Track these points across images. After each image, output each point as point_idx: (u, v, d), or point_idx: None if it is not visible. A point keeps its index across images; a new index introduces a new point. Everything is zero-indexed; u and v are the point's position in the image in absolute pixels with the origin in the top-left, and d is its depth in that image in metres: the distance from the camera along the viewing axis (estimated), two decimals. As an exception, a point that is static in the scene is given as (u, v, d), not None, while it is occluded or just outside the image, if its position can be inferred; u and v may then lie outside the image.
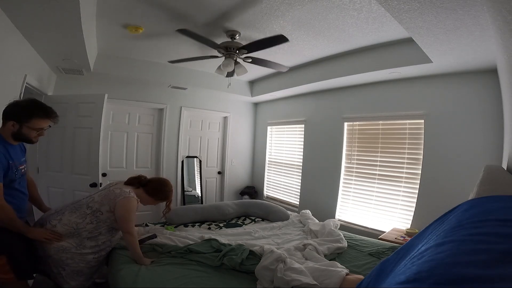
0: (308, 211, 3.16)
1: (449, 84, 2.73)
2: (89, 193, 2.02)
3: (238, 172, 5.32)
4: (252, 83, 4.83)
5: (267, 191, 5.16)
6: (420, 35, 1.90)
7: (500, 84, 2.20)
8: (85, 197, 1.90)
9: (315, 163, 4.10)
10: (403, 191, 3.04)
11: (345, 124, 3.71)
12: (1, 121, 1.59)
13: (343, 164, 3.70)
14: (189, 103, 4.66)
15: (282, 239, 2.50)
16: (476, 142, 2.51)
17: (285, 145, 4.85)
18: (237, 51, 2.64)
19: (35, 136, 1.62)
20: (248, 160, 5.50)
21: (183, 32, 2.21)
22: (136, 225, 1.99)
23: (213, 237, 2.24)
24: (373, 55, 2.87)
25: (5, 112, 1.55)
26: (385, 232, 2.88)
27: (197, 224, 2.83)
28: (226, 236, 2.43)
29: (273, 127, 5.13)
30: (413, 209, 2.88)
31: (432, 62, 2.38)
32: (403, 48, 2.62)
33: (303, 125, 4.38)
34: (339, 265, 1.75)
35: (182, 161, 4.65)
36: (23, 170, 1.67)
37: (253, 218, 3.17)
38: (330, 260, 1.96)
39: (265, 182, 5.18)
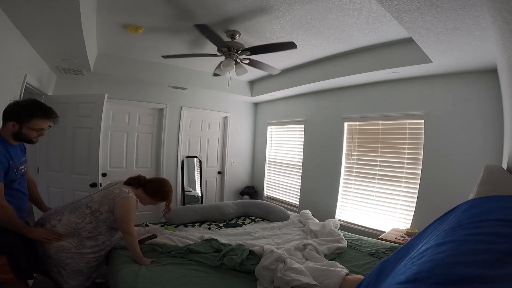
0: (308, 211, 3.16)
1: (449, 84, 2.73)
2: (89, 193, 2.02)
3: (238, 172, 5.32)
4: (252, 83, 4.83)
5: (267, 191, 5.16)
6: (420, 35, 1.90)
7: (500, 84, 2.20)
8: (85, 197, 1.90)
9: (315, 163, 4.10)
10: (403, 191, 3.04)
11: (345, 124, 3.71)
12: (1, 121, 1.59)
13: (343, 164, 3.70)
14: (189, 103, 4.66)
15: (282, 239, 2.50)
16: (476, 142, 2.51)
17: (285, 145, 4.85)
18: (238, 52, 2.65)
19: (35, 136, 1.62)
20: (248, 160, 5.50)
21: (201, 27, 2.18)
22: (136, 225, 1.99)
23: (213, 237, 2.24)
24: (373, 55, 2.87)
25: (5, 112, 1.55)
26: (385, 232, 2.88)
27: (197, 224, 2.83)
28: (226, 236, 2.43)
29: (273, 127, 5.13)
30: (413, 209, 2.88)
31: (432, 62, 2.38)
32: (403, 48, 2.62)
33: (303, 125, 4.38)
34: (339, 265, 1.75)
35: (182, 161, 4.65)
36: (23, 170, 1.67)
37: (253, 218, 3.17)
38: (330, 260, 1.96)
39: (265, 182, 5.18)
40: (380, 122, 3.32)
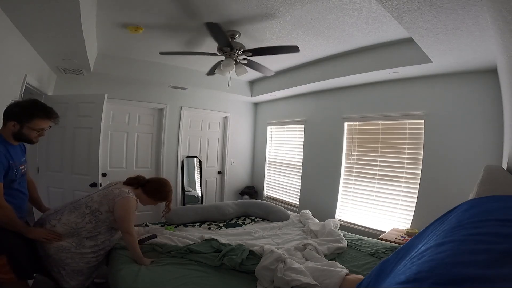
0: (308, 211, 3.16)
1: (449, 84, 2.73)
2: (88, 193, 2.02)
3: (238, 172, 5.32)
4: (252, 83, 4.83)
5: (267, 191, 5.16)
6: (420, 35, 1.90)
7: (500, 84, 2.20)
8: (84, 196, 1.90)
9: (315, 163, 4.10)
10: (403, 191, 3.04)
11: (345, 124, 3.71)
12: (2, 121, 1.59)
13: (343, 164, 3.70)
14: (189, 103, 4.66)
15: (282, 239, 2.50)
16: (476, 142, 2.51)
17: (285, 145, 4.85)
18: (239, 52, 2.65)
19: (35, 136, 1.62)
20: (248, 160, 5.50)
21: (211, 26, 2.16)
22: (136, 225, 1.99)
23: (213, 237, 2.23)
24: (373, 55, 2.87)
25: (6, 112, 1.55)
26: (385, 232, 2.88)
27: (197, 224, 2.83)
28: (226, 236, 2.43)
29: (273, 127, 5.13)
30: (413, 209, 2.88)
31: (432, 62, 2.38)
32: (403, 48, 2.62)
33: (303, 125, 4.38)
34: (339, 265, 1.75)
35: (182, 161, 4.65)
36: (23, 170, 1.67)
37: (253, 218, 3.17)
38: (330, 260, 1.96)
39: (265, 182, 5.18)
40: (380, 122, 3.32)
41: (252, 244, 2.11)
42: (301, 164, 4.35)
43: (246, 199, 4.46)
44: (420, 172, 2.89)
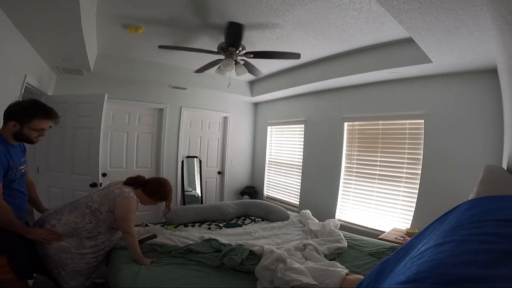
0: (308, 211, 3.16)
1: (449, 84, 2.73)
2: (88, 192, 2.02)
3: (238, 172, 5.32)
4: (252, 83, 4.83)
5: (267, 191, 5.16)
6: (420, 35, 1.90)
7: (500, 84, 2.20)
8: (84, 196, 1.90)
9: (315, 163, 4.10)
10: (403, 191, 3.04)
11: (345, 124, 3.71)
12: (2, 121, 1.59)
13: (343, 164, 3.70)
14: (189, 103, 4.66)
15: (282, 239, 2.50)
16: (476, 142, 2.51)
17: (285, 145, 4.85)
18: (240, 52, 2.65)
19: (35, 136, 1.62)
20: (248, 160, 5.50)
21: (235, 26, 2.15)
22: (136, 225, 1.99)
23: (213, 237, 2.24)
24: (373, 55, 2.87)
25: (6, 112, 1.55)
26: (385, 232, 2.88)
27: (197, 224, 2.83)
28: (226, 236, 2.43)
29: (273, 127, 5.13)
30: (413, 209, 2.88)
31: (432, 62, 2.38)
32: (403, 48, 2.62)
33: (303, 125, 4.38)
34: (339, 265, 1.75)
35: (182, 161, 4.65)
36: (23, 170, 1.67)
37: (253, 218, 3.17)
38: (330, 260, 1.96)
39: (265, 182, 5.18)
40: (380, 122, 3.32)
41: (252, 244, 2.11)
42: (301, 164, 4.35)
43: (246, 199, 4.46)
44: (420, 172, 2.89)
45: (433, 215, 0.74)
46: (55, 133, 2.95)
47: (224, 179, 5.14)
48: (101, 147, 3.08)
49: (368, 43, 2.79)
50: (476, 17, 1.56)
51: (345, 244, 2.29)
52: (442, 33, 1.82)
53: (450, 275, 0.38)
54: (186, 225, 2.75)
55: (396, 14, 1.64)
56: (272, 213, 3.14)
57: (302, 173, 4.33)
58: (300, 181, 4.38)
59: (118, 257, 1.86)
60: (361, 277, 1.57)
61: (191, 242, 2.15)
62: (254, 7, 2.17)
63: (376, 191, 3.29)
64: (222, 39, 2.72)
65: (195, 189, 4.91)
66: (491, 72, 2.38)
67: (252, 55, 2.63)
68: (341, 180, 3.70)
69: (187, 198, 4.68)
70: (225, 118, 5.17)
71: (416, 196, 2.88)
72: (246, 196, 5.02)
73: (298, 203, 4.38)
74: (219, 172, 5.15)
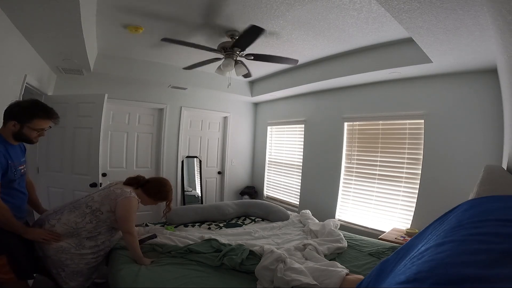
0: (308, 211, 3.16)
1: (449, 84, 2.73)
2: (88, 192, 2.02)
3: (238, 172, 5.32)
4: (252, 83, 4.83)
5: (267, 191, 5.16)
6: (420, 35, 1.90)
7: (500, 84, 2.20)
8: (84, 196, 1.90)
9: (315, 163, 4.10)
10: (403, 191, 3.04)
11: (345, 124, 3.71)
12: (2, 120, 1.59)
13: (343, 164, 3.70)
14: (189, 103, 4.66)
15: (282, 239, 2.50)
16: (476, 142, 2.51)
17: (285, 145, 4.85)
18: (240, 53, 2.64)
19: (35, 136, 1.62)
20: (248, 160, 5.50)
21: (257, 30, 2.13)
22: (136, 225, 1.99)
23: (213, 237, 2.24)
24: (373, 55, 2.87)
25: (6, 112, 1.55)
26: (385, 232, 2.88)
27: (197, 224, 2.83)
28: (226, 236, 2.43)
29: (273, 127, 5.12)
30: (413, 209, 2.88)
31: (432, 62, 2.38)
32: (403, 48, 2.62)
33: (303, 125, 4.38)
34: (339, 265, 1.75)
35: (182, 161, 4.65)
36: (22, 170, 1.67)
37: (253, 218, 3.17)
38: (330, 260, 1.96)
39: (265, 182, 5.18)
40: (380, 122, 3.32)
41: (252, 244, 2.11)
42: (301, 164, 4.35)
43: (246, 199, 4.46)
44: (420, 172, 2.89)
45: (433, 215, 0.74)
46: (55, 133, 2.95)
47: (224, 179, 5.14)
48: (101, 147, 3.08)
49: (368, 43, 2.79)
50: (476, 17, 1.56)
51: (345, 244, 2.29)
52: (442, 33, 1.82)
53: (450, 275, 0.38)
54: (186, 225, 2.75)
55: (396, 14, 1.64)
56: (272, 213, 3.14)
57: (302, 173, 4.33)
58: (300, 181, 4.38)
59: (118, 257, 1.86)
60: (361, 277, 1.57)
61: (191, 242, 2.15)
62: (254, 7, 2.17)
63: (376, 191, 3.29)
64: (221, 39, 2.72)
65: (195, 189, 4.91)
66: (491, 72, 2.38)
67: (252, 57, 2.63)
68: (341, 180, 3.70)
69: (187, 198, 4.68)
70: (225, 118, 5.17)
71: (416, 196, 2.88)
72: (246, 196, 5.02)
73: (298, 203, 4.38)
74: (219, 172, 5.15)
